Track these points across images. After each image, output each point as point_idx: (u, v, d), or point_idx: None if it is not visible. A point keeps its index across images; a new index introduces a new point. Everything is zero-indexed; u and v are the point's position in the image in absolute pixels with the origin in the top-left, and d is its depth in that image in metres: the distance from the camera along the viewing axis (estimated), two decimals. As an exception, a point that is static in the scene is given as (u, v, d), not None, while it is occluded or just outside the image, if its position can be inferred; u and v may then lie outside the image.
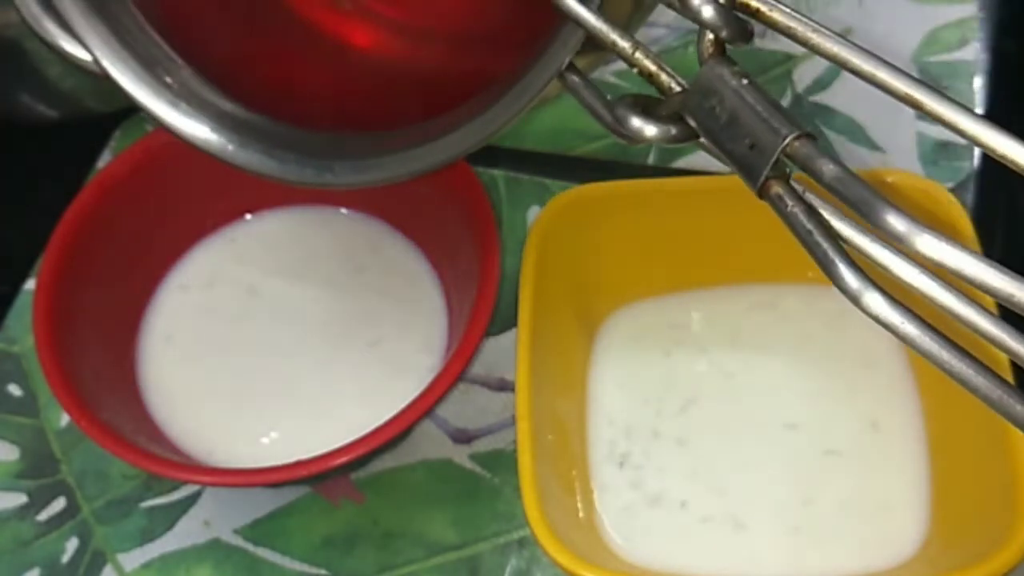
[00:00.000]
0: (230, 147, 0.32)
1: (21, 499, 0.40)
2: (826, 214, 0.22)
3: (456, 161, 0.30)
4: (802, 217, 0.22)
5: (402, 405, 0.34)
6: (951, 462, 0.34)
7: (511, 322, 0.37)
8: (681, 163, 0.45)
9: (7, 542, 0.39)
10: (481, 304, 0.35)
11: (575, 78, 0.27)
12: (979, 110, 0.45)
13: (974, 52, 0.46)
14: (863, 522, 0.34)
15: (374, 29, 0.33)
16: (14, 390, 0.42)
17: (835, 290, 0.41)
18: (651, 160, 0.45)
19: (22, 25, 0.41)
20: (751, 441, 0.36)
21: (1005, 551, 0.29)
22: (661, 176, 0.44)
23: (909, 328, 0.20)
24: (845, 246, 0.21)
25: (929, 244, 0.19)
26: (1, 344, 0.43)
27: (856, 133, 0.44)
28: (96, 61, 0.31)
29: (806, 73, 0.46)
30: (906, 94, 0.21)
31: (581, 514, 0.35)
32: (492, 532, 0.37)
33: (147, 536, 0.38)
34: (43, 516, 0.39)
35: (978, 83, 0.45)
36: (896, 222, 0.20)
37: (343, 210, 0.43)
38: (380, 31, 0.33)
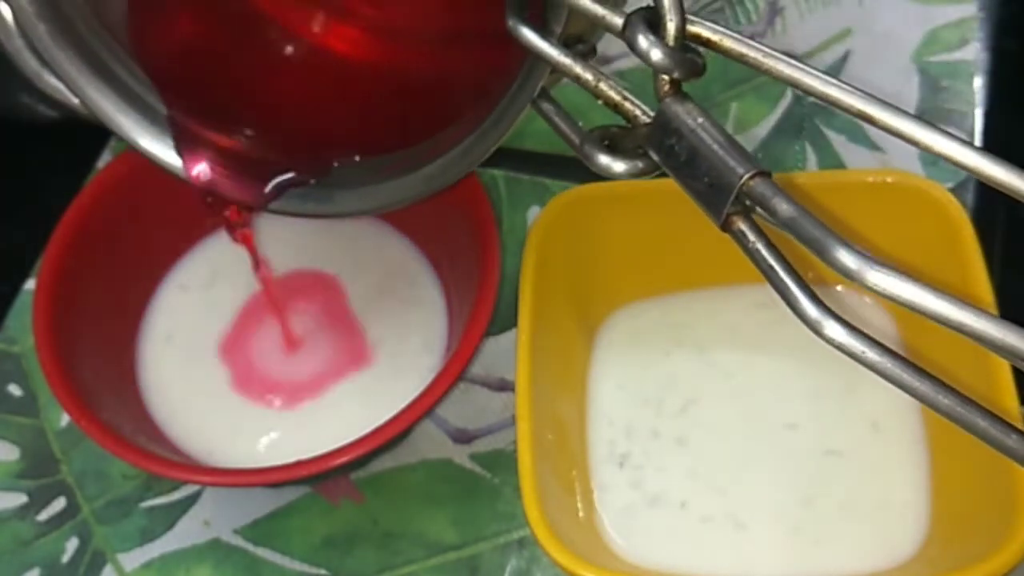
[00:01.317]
0: (232, 185, 0.32)
1: (21, 499, 0.40)
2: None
3: (446, 188, 0.30)
4: (764, 252, 0.22)
5: (402, 405, 0.34)
6: (951, 462, 0.34)
7: (511, 322, 0.37)
8: (681, 163, 0.44)
9: (7, 542, 0.39)
10: (481, 304, 0.35)
11: (548, 105, 0.28)
12: (979, 110, 0.45)
13: (974, 52, 0.46)
14: (863, 522, 0.34)
15: (358, 33, 0.34)
16: (14, 390, 0.42)
17: (835, 290, 0.41)
18: (651, 160, 0.45)
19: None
20: (751, 441, 0.36)
21: (1005, 551, 0.29)
22: (661, 176, 0.44)
23: (870, 354, 0.21)
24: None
25: (880, 279, 0.20)
26: (1, 344, 0.43)
27: (856, 133, 0.44)
28: (97, 115, 0.32)
29: (806, 73, 0.46)
30: (859, 111, 0.21)
31: (581, 514, 0.35)
32: (492, 532, 0.37)
33: (147, 536, 0.38)
34: (43, 516, 0.39)
35: (978, 83, 0.45)
36: (848, 259, 0.20)
37: (343, 210, 0.43)
38: (364, 35, 0.34)
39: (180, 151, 0.32)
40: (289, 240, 0.43)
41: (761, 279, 0.38)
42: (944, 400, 0.20)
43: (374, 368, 0.40)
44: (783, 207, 0.21)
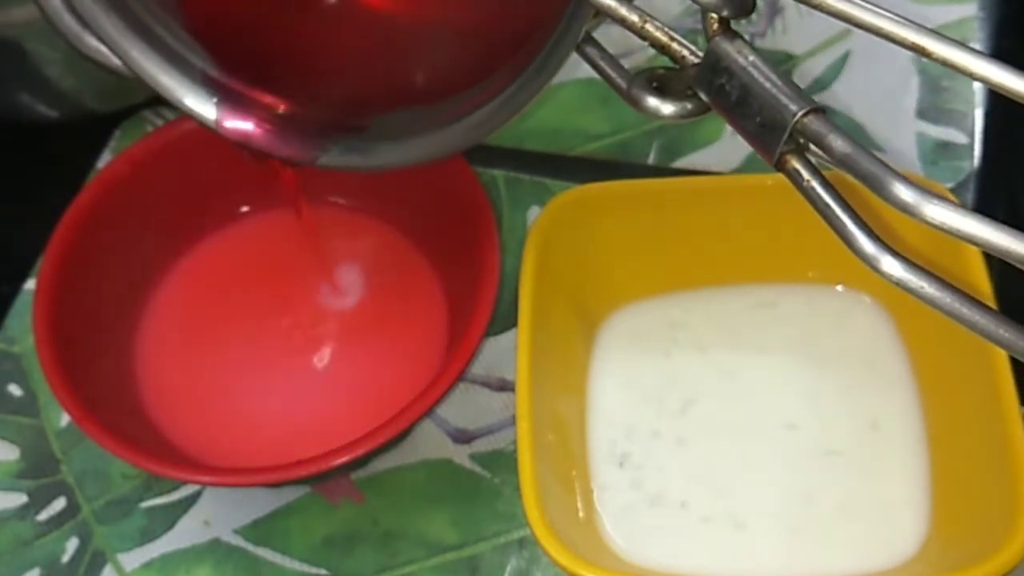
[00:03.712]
0: (276, 142, 0.32)
1: (21, 499, 0.40)
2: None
3: (488, 136, 0.30)
4: (819, 190, 0.22)
5: (402, 405, 0.34)
6: (951, 462, 0.34)
7: (511, 322, 0.37)
8: (681, 163, 0.45)
9: (7, 542, 0.39)
10: (481, 304, 0.35)
11: (592, 49, 0.27)
12: (979, 110, 0.45)
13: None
14: (863, 522, 0.34)
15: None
16: (14, 390, 0.42)
17: (835, 290, 0.41)
18: (651, 160, 0.45)
19: (23, 25, 0.41)
20: (751, 441, 0.36)
21: (1005, 551, 0.29)
22: (661, 176, 0.44)
23: (928, 289, 0.21)
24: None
25: (938, 212, 0.20)
26: (1, 344, 0.43)
27: (856, 133, 0.44)
28: (140, 76, 0.32)
29: (806, 73, 0.46)
30: (913, 43, 0.21)
31: (581, 514, 0.35)
32: (492, 532, 0.37)
33: (147, 536, 0.38)
34: (43, 516, 0.39)
35: (978, 83, 0.45)
36: (905, 193, 0.20)
37: (343, 210, 0.43)
38: None
39: (224, 110, 0.32)
40: (289, 238, 0.43)
41: (761, 279, 0.39)
42: (1005, 334, 0.20)
43: (374, 368, 0.40)
44: (838, 143, 0.21)
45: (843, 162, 0.21)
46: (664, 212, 0.38)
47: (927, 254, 0.36)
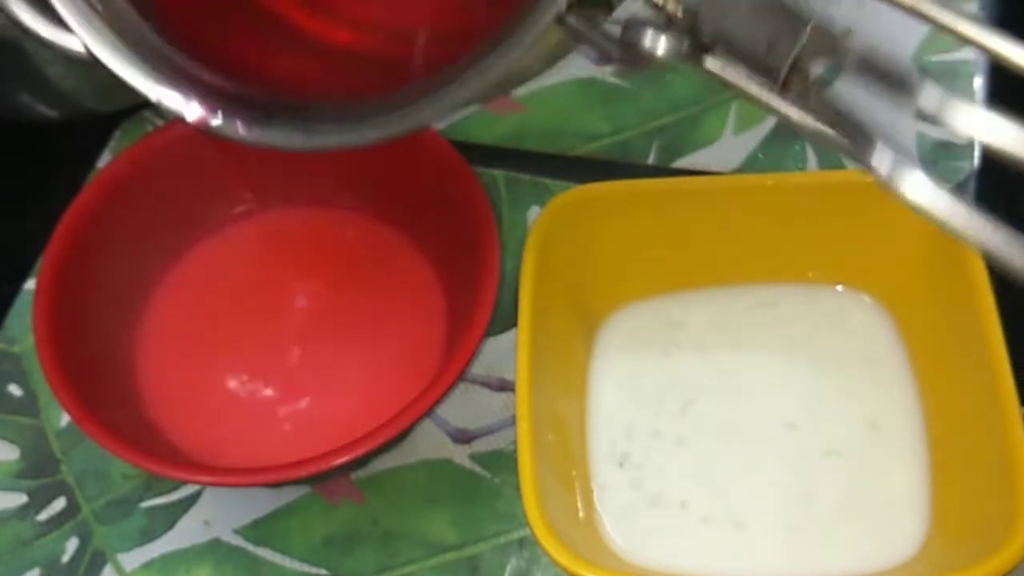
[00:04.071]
0: (215, 119, 0.31)
1: (21, 499, 0.40)
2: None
3: (454, 112, 0.29)
4: (827, 107, 0.22)
5: (402, 405, 0.34)
6: (951, 462, 0.34)
7: (511, 322, 0.37)
8: (681, 163, 0.45)
9: (7, 542, 0.39)
10: (481, 304, 0.35)
11: (573, 20, 0.27)
12: (979, 110, 0.45)
13: (974, 52, 0.46)
14: (863, 522, 0.34)
15: (354, 30, 0.33)
16: (14, 390, 0.42)
17: (835, 290, 0.41)
18: (651, 160, 0.45)
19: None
20: (751, 441, 0.36)
21: (1005, 551, 0.29)
22: (661, 176, 0.44)
23: (955, 218, 0.20)
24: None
25: (964, 111, 0.20)
26: (1, 344, 0.43)
27: (856, 133, 0.44)
28: (83, 43, 0.31)
29: (806, 73, 0.46)
30: (911, 6, 0.21)
31: (581, 514, 0.35)
32: (492, 532, 0.37)
33: (147, 536, 0.38)
34: (43, 516, 0.39)
35: (978, 83, 0.45)
36: (931, 90, 0.20)
37: (343, 210, 0.43)
38: (361, 31, 0.33)
39: (163, 83, 0.31)
40: (288, 239, 0.43)
41: (761, 279, 0.39)
42: None
43: (374, 368, 0.40)
44: (850, 51, 0.21)
45: (861, 66, 0.21)
46: (664, 212, 0.38)
47: (927, 254, 0.36)
